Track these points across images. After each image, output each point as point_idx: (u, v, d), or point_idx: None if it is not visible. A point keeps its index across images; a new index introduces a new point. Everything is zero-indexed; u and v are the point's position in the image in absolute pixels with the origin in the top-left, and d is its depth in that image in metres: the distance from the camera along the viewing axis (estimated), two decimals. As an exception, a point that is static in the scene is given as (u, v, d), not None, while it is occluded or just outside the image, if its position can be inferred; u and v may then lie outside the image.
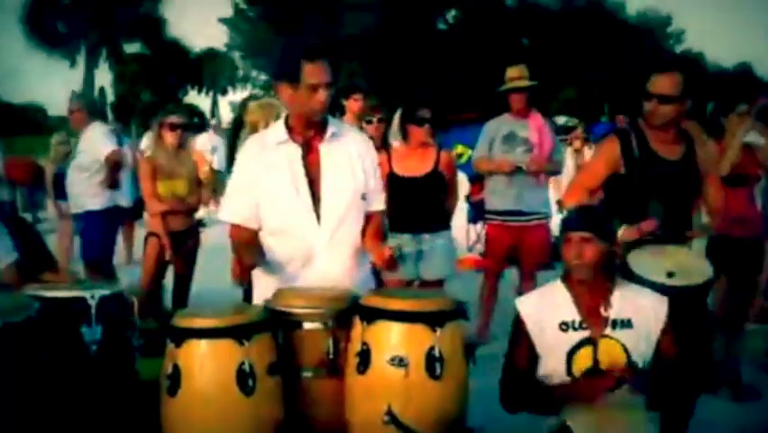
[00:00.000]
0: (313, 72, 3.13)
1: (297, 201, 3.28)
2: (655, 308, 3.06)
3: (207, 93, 47.32)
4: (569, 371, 2.98)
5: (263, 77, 47.78)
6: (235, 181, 3.43)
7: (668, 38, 58.97)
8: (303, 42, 3.40)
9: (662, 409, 3.61)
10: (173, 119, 5.75)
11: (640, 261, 3.46)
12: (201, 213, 11.45)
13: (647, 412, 2.87)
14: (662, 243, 3.58)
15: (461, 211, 6.57)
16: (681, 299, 3.32)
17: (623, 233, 3.50)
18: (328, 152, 3.32)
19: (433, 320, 2.80)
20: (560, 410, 2.83)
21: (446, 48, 48.33)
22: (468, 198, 9.48)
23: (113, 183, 6.65)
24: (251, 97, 7.32)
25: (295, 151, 3.30)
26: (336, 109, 7.27)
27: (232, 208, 3.41)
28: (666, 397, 3.45)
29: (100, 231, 6.61)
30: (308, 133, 3.32)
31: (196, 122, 19.76)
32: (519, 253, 6.28)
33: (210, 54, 46.28)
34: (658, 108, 3.64)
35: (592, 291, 3.03)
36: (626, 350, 2.98)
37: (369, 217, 3.46)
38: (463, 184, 8.41)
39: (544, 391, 3.00)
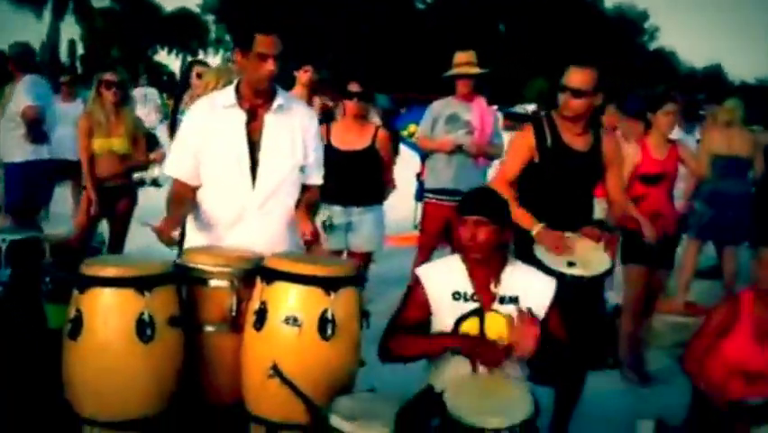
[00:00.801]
0: (263, 43, 3.28)
1: (235, 163, 3.41)
2: (543, 289, 3.19)
3: (178, 54, 46.85)
4: None
5: (237, 41, 47.50)
6: (180, 138, 3.57)
7: (643, 33, 59.37)
8: (258, 13, 3.53)
9: (548, 384, 3.82)
10: (109, 77, 5.78)
11: (545, 249, 3.66)
12: (156, 172, 11.49)
13: (527, 386, 3.00)
14: (567, 230, 3.75)
15: (409, 189, 6.70)
16: (578, 286, 3.51)
17: (537, 234, 3.69)
18: (272, 121, 3.45)
19: (328, 284, 2.95)
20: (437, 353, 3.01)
21: (422, 28, 48.34)
22: (418, 176, 9.62)
23: (35, 137, 6.61)
24: (199, 62, 7.32)
25: (240, 116, 3.44)
26: (287, 80, 7.37)
27: (174, 163, 3.55)
28: (552, 372, 3.63)
29: (21, 182, 6.59)
30: (256, 101, 3.45)
31: (165, 80, 19.61)
32: (453, 231, 6.42)
33: (182, 15, 45.78)
34: (570, 101, 3.79)
35: (485, 268, 3.15)
36: (510, 324, 3.07)
37: (305, 190, 3.59)
38: (414, 162, 8.54)
39: (429, 336, 3.11)
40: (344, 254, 5.38)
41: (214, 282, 3.14)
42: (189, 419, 3.11)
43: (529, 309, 3.04)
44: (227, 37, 47.19)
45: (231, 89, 3.49)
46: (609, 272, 3.72)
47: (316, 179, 3.66)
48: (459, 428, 2.65)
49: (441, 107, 6.46)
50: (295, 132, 3.50)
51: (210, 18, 47.33)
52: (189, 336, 3.07)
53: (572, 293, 3.40)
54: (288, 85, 7.19)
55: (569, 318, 3.43)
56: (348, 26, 44.97)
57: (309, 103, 6.32)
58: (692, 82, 61.28)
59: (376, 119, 7.04)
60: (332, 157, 5.23)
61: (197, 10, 46.33)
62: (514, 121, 20.43)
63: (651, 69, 54.92)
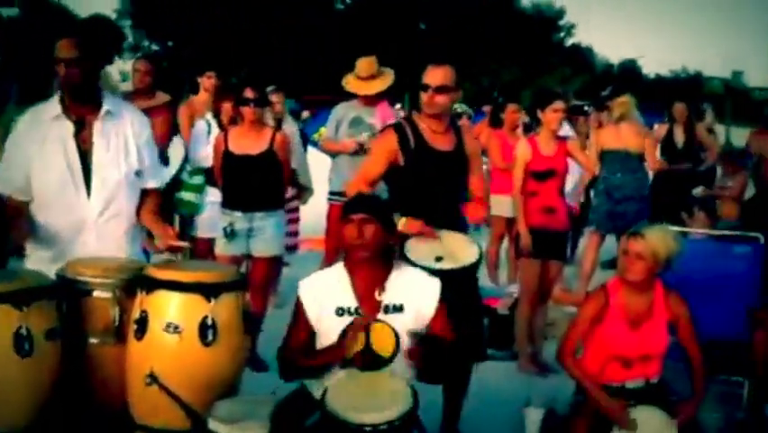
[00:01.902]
0: (59, 48, 3.36)
1: (67, 175, 3.42)
2: (427, 292, 3.24)
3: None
4: None
5: (155, 47, 46.64)
6: (9, 152, 3.56)
7: (559, 30, 60.42)
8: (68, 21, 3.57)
9: (436, 383, 3.93)
10: None
11: (415, 246, 3.72)
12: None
13: (408, 380, 3.09)
14: (438, 227, 3.83)
15: (326, 192, 6.79)
16: (450, 280, 3.58)
17: (402, 226, 3.74)
18: (102, 129, 3.47)
19: (208, 291, 3.00)
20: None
21: (343, 29, 48.28)
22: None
23: None
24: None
25: (68, 126, 3.45)
26: (191, 86, 7.37)
27: (3, 178, 3.54)
28: (440, 372, 3.74)
29: None
30: (82, 109, 3.47)
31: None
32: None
33: (97, 20, 44.73)
34: (433, 98, 3.88)
35: (369, 276, 3.17)
36: (396, 334, 3.13)
37: (146, 195, 3.62)
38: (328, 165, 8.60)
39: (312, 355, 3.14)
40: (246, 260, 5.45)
41: (96, 293, 3.17)
42: (75, 429, 3.13)
43: (411, 332, 3.08)
44: (145, 43, 46.42)
45: (55, 100, 3.52)
46: (477, 265, 3.81)
47: (154, 182, 3.69)
48: (337, 426, 2.74)
49: (344, 110, 6.53)
50: (127, 137, 3.53)
51: (127, 24, 46.44)
52: (74, 348, 3.09)
53: (445, 287, 3.49)
54: (194, 91, 7.20)
55: (451, 313, 3.53)
56: (261, 30, 44.63)
57: (216, 110, 6.33)
58: (608, 77, 62.69)
59: (289, 124, 7.08)
60: (230, 163, 5.32)
61: (114, 15, 45.40)
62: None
63: (568, 65, 55.97)
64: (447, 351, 3.21)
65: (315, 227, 7.56)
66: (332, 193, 6.58)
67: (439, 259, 3.63)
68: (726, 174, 7.80)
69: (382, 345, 3.10)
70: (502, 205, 6.73)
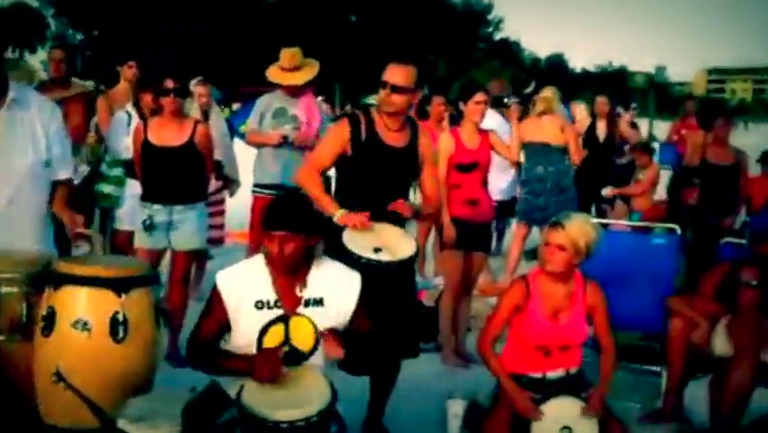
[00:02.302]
0: None
1: None
2: (347, 286, 3.21)
3: (14, 50, 44.53)
4: (259, 347, 3.06)
5: (80, 36, 45.55)
6: None
7: (488, 25, 61.15)
8: None
9: (362, 374, 3.92)
10: None
11: (353, 236, 3.69)
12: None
13: (326, 374, 3.05)
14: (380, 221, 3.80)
15: (249, 184, 6.69)
16: (386, 273, 3.58)
17: (339, 218, 3.73)
18: (7, 117, 3.36)
19: (118, 286, 2.92)
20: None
21: (274, 20, 47.92)
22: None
23: None
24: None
25: None
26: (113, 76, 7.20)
27: None
28: (364, 363, 3.72)
29: None
30: None
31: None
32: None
33: (18, 8, 43.54)
34: (390, 97, 3.83)
35: (290, 273, 3.13)
36: (315, 327, 3.11)
37: (57, 186, 3.52)
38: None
39: (224, 357, 3.08)
40: (168, 253, 5.34)
41: (3, 289, 3.05)
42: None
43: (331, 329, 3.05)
44: (69, 31, 45.32)
45: None
46: (414, 259, 3.82)
47: (65, 173, 3.60)
48: (253, 423, 2.69)
49: (268, 101, 6.46)
50: (34, 126, 3.44)
51: (50, 12, 45.26)
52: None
53: (381, 279, 3.48)
54: (114, 80, 7.04)
55: (380, 306, 3.48)
56: (190, 19, 44.04)
57: (137, 99, 6.18)
58: (536, 71, 63.78)
59: (215, 115, 6.98)
60: (149, 154, 5.19)
61: (36, 3, 44.19)
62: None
63: (496, 59, 56.68)
64: (369, 343, 3.20)
65: (242, 220, 7.47)
66: (256, 185, 6.49)
67: (377, 250, 3.61)
68: (639, 166, 7.98)
69: (302, 339, 3.07)
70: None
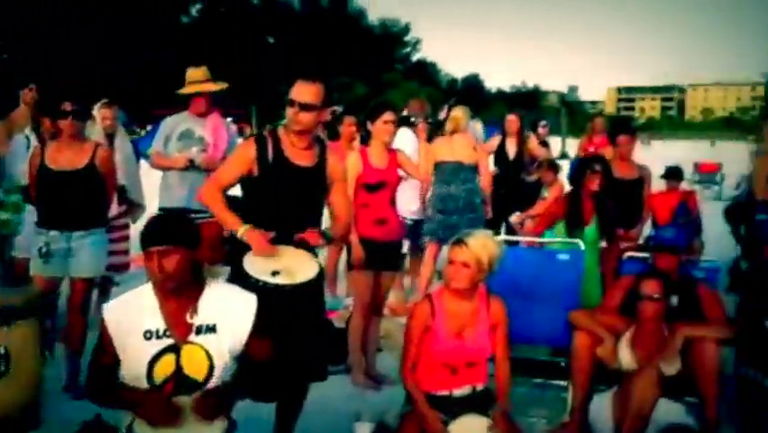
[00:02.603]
0: None
1: None
2: (241, 310, 3.12)
3: None
4: (149, 377, 2.96)
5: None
6: None
7: (405, 46, 61.84)
8: None
9: (268, 400, 3.83)
10: None
11: (254, 261, 3.60)
12: None
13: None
14: (288, 243, 3.75)
15: (156, 208, 6.53)
16: (287, 296, 3.50)
17: (243, 234, 3.65)
18: None
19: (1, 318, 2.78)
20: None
21: (192, 42, 47.44)
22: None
23: None
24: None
25: None
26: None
27: None
28: (268, 390, 3.63)
29: None
30: None
31: None
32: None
33: None
34: (298, 115, 3.77)
35: (179, 298, 3.04)
36: (209, 355, 3.02)
37: None
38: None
39: (120, 391, 2.99)
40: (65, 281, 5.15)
41: None
42: None
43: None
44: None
45: None
46: (316, 282, 3.74)
47: None
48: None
49: (174, 123, 6.32)
50: None
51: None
52: None
53: (280, 303, 3.41)
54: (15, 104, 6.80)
55: (281, 330, 3.44)
56: (103, 41, 43.27)
57: (36, 123, 5.98)
58: (453, 91, 64.72)
59: (121, 138, 6.80)
60: (46, 179, 5.02)
61: None
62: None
63: (415, 80, 57.26)
64: (268, 368, 3.14)
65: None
66: (161, 209, 6.33)
67: (275, 274, 3.53)
68: (545, 184, 8.10)
69: (195, 368, 2.98)
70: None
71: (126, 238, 6.94)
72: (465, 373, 3.84)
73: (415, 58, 61.74)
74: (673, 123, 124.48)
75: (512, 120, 8.44)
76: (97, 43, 42.70)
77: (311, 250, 3.88)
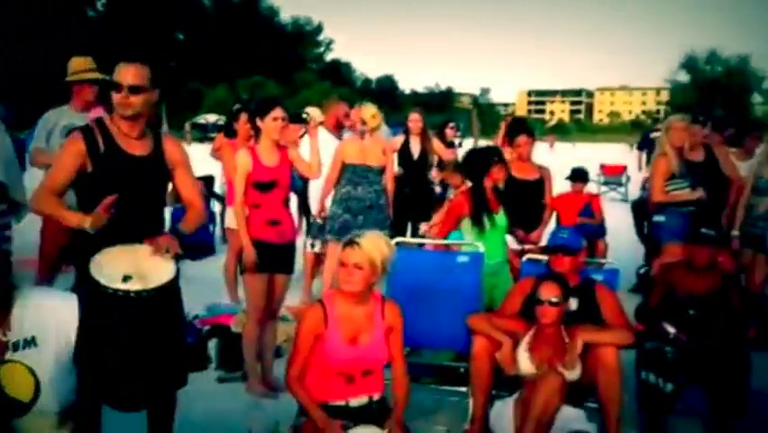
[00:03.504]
0: None
1: None
2: (63, 314, 2.94)
3: None
4: None
5: None
6: None
7: (318, 45, 61.59)
8: None
9: (130, 410, 3.52)
10: None
11: (102, 262, 3.28)
12: None
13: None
14: (134, 240, 3.46)
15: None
16: (142, 302, 3.20)
17: (90, 223, 3.37)
18: None
19: None
20: None
21: (97, 36, 46.14)
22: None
23: None
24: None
25: None
26: None
27: None
28: (127, 399, 3.35)
29: None
30: None
31: None
32: None
33: None
34: (128, 98, 3.55)
35: None
36: (33, 372, 2.79)
37: None
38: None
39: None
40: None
41: None
42: None
43: None
44: None
45: None
46: (171, 284, 3.42)
47: None
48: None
49: (56, 118, 6.02)
50: None
51: None
52: None
53: (135, 310, 3.15)
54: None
55: (136, 337, 3.21)
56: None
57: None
58: (367, 91, 64.83)
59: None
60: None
61: None
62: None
63: (328, 79, 57.04)
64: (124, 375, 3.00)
65: (31, 247, 6.86)
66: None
67: (127, 279, 3.23)
68: (452, 186, 7.87)
69: (19, 388, 2.76)
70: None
71: (8, 239, 6.49)
72: (361, 382, 3.66)
73: (329, 58, 61.55)
74: (581, 126, 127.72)
75: (415, 119, 8.28)
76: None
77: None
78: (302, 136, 6.46)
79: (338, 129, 7.69)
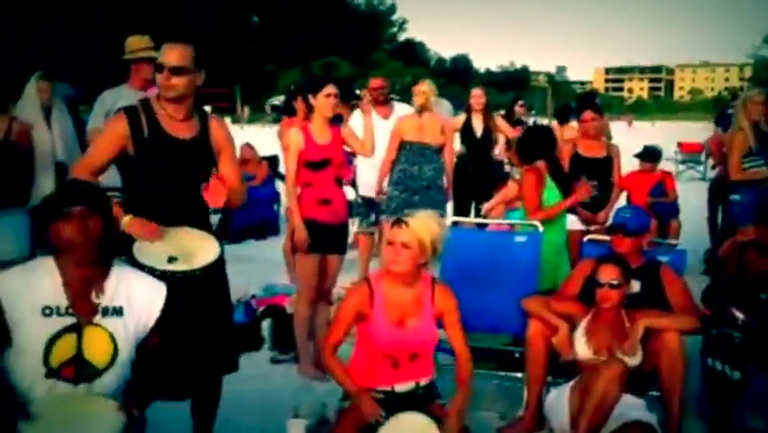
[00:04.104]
0: None
1: None
2: (151, 297, 2.90)
3: None
4: (46, 360, 2.67)
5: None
6: None
7: (391, 26, 61.43)
8: None
9: (177, 398, 3.49)
10: None
11: (145, 246, 3.23)
12: None
13: (114, 402, 2.66)
14: (176, 223, 3.39)
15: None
16: (188, 283, 3.16)
17: (126, 225, 3.26)
18: None
19: None
20: None
21: (173, 22, 46.98)
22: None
23: None
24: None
25: None
26: None
27: None
28: (175, 387, 3.30)
29: None
30: None
31: None
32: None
33: None
34: (170, 80, 3.42)
35: (85, 274, 2.76)
36: (113, 339, 2.77)
37: None
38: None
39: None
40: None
41: None
42: None
43: None
44: None
45: None
46: (217, 264, 3.37)
47: None
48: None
49: (113, 98, 6.00)
50: None
51: None
52: None
53: (182, 292, 3.07)
54: None
55: (185, 320, 3.17)
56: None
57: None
58: (442, 71, 64.39)
59: (58, 111, 6.45)
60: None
61: None
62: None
63: (401, 60, 56.82)
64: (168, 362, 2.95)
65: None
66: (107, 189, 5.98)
67: (172, 260, 3.18)
68: (516, 165, 7.64)
69: (96, 353, 2.73)
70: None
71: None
72: (408, 366, 3.52)
73: (402, 38, 61.32)
74: (661, 104, 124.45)
75: (477, 94, 8.06)
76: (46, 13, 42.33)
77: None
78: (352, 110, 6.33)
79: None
